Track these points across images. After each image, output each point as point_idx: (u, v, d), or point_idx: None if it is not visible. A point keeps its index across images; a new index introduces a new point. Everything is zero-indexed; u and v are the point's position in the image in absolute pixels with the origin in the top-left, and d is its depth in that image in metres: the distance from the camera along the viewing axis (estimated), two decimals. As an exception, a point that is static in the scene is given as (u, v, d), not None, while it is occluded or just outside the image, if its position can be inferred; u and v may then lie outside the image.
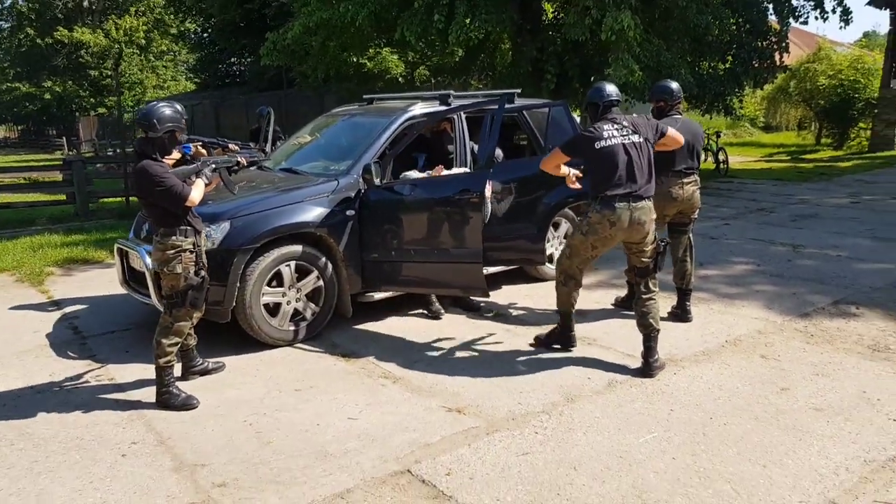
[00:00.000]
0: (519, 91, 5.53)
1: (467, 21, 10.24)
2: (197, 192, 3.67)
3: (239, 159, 4.11)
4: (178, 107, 3.80)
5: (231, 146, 5.48)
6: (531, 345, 4.49)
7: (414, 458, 3.09)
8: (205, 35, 30.88)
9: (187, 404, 3.61)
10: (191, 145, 3.94)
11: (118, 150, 20.15)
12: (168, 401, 3.62)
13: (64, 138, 32.92)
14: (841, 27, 32.97)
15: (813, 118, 22.22)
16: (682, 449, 3.13)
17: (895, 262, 6.50)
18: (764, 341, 4.54)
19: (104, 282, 6.25)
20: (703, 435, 3.27)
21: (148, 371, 3.88)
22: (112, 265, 6.86)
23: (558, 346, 4.43)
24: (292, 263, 4.60)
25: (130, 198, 10.48)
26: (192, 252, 3.69)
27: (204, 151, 4.07)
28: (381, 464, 3.04)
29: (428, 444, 3.22)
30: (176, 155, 3.88)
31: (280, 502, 2.75)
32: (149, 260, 4.32)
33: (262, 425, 3.43)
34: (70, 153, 26.67)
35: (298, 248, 4.61)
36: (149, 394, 3.76)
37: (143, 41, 36.91)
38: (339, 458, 3.10)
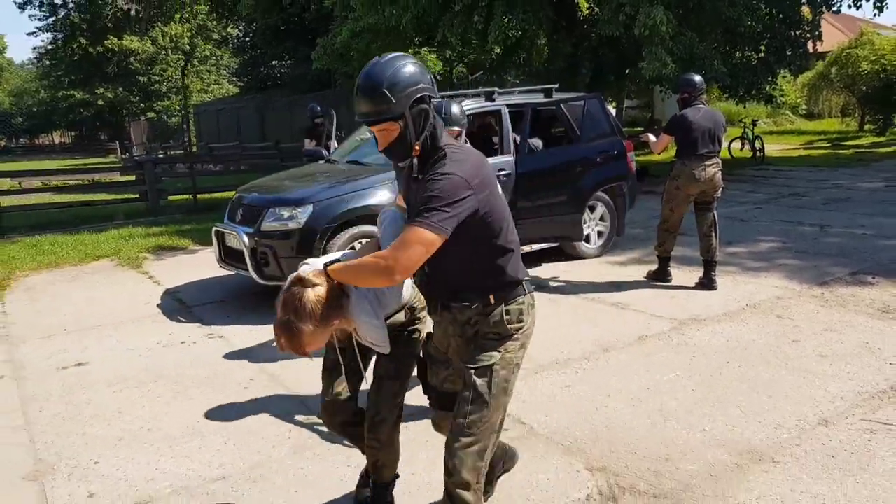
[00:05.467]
0: (557, 86, 6.26)
1: (505, 20, 10.94)
2: None
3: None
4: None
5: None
6: (646, 278, 5.90)
7: (477, 389, 3.85)
8: (247, 39, 32.18)
9: None
10: None
11: (169, 153, 21.47)
12: None
13: (116, 142, 34.70)
14: (875, 14, 32.39)
15: (856, 104, 22.24)
16: (701, 384, 3.81)
17: (918, 239, 6.95)
18: (781, 305, 5.16)
19: (193, 264, 7.21)
20: (719, 375, 3.94)
21: (253, 331, 4.73)
22: (195, 251, 7.85)
23: (659, 282, 5.80)
24: (364, 241, 5.40)
25: (199, 196, 11.49)
26: None
27: None
28: (451, 393, 3.81)
29: (488, 380, 3.97)
30: None
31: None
32: (246, 238, 5.20)
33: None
34: (124, 156, 28.23)
35: (370, 227, 5.42)
36: (254, 345, 4.61)
37: (188, 47, 38.54)
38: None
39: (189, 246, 8.11)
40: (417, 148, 1.98)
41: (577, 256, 6.74)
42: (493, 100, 6.33)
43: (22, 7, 43.22)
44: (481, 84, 15.69)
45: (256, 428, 3.46)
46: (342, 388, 2.50)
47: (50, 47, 44.31)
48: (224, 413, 3.66)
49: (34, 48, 48.49)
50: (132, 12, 40.81)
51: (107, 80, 39.51)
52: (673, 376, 3.93)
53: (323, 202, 5.33)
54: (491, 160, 5.84)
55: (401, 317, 2.36)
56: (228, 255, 5.78)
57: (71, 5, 42.48)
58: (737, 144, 15.55)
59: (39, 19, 45.09)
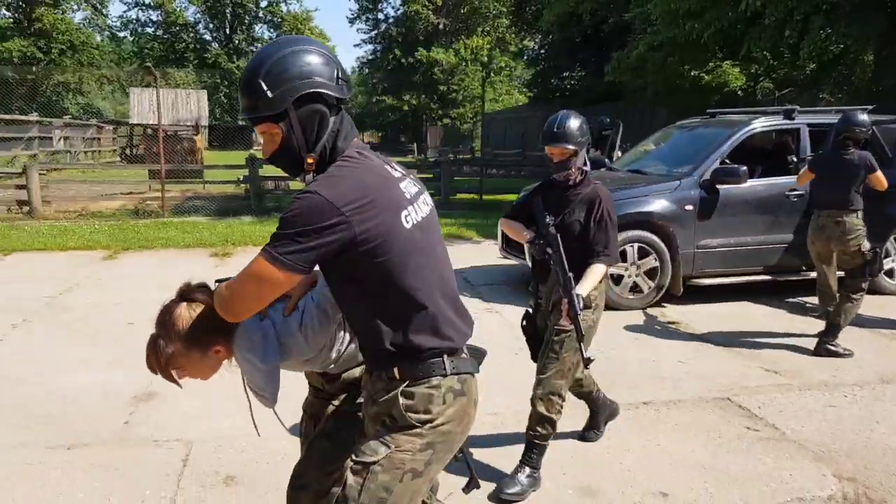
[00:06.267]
0: (871, 107, 5.99)
1: (823, 35, 10.35)
2: None
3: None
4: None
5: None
6: None
7: (732, 392, 4.10)
8: (541, 51, 34.03)
9: None
10: None
11: (457, 156, 23.85)
12: None
13: (414, 144, 39.32)
14: None
15: None
16: None
17: None
18: None
19: (477, 252, 8.35)
20: None
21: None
22: (479, 242, 9.01)
23: None
24: (635, 245, 5.86)
25: (484, 196, 12.88)
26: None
27: None
28: (706, 391, 4.11)
29: (745, 386, 4.19)
30: None
31: (626, 394, 4.01)
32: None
33: (610, 355, 4.75)
34: (420, 157, 31.94)
35: (642, 232, 5.85)
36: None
37: (486, 58, 41.98)
38: (673, 381, 4.26)
39: (474, 237, 9.32)
40: (311, 160, 1.58)
41: (871, 290, 6.33)
42: (793, 118, 6.30)
43: (352, 21, 51.20)
44: (790, 101, 14.72)
45: (515, 382, 4.18)
46: (304, 470, 2.02)
47: (370, 58, 51.69)
48: (497, 370, 4.43)
49: (357, 58, 57.14)
50: (440, 26, 45.76)
51: (412, 88, 44.87)
52: (963, 420, 3.73)
53: (601, 205, 5.91)
54: (784, 179, 5.95)
55: (357, 372, 1.92)
56: (510, 245, 6.65)
57: (391, 20, 49.08)
58: None
59: (364, 32, 52.92)
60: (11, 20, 45.55)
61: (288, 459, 3.15)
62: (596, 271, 2.91)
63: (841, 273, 5.08)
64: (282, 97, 1.53)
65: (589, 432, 3.47)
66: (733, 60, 16.44)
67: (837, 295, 4.99)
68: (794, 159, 6.35)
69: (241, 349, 1.72)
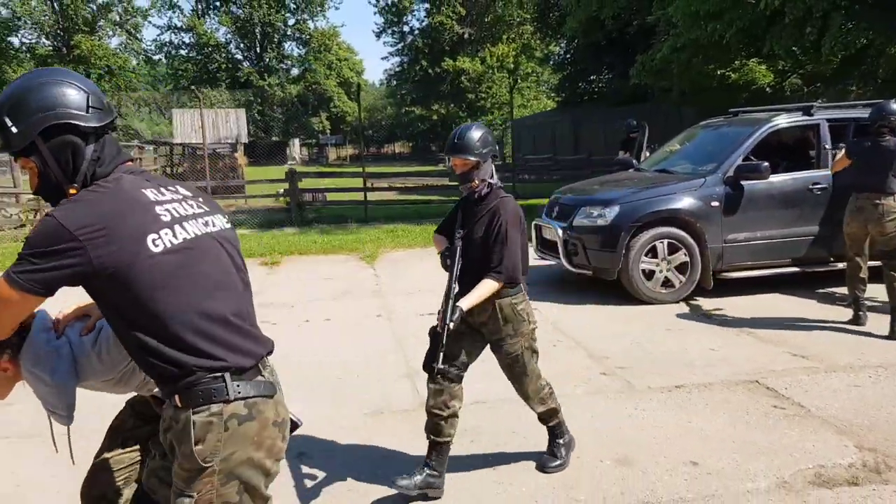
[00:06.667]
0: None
1: (844, 30, 10.44)
2: None
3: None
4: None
5: None
6: None
7: (760, 375, 4.34)
8: (567, 56, 34.24)
9: None
10: None
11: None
12: None
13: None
14: None
15: None
16: None
17: None
18: None
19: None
20: None
21: (554, 307, 5.79)
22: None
23: None
24: (665, 241, 6.12)
25: (516, 201, 13.16)
26: None
27: None
28: (734, 375, 4.36)
29: (773, 370, 4.43)
30: None
31: (659, 379, 4.29)
32: (560, 231, 6.32)
33: (644, 345, 5.02)
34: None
35: (670, 229, 6.11)
36: (558, 318, 5.66)
37: (512, 65, 42.32)
38: (704, 367, 4.52)
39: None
40: (73, 191, 1.58)
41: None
42: (811, 114, 6.52)
43: (378, 35, 52.02)
44: (818, 97, 14.71)
45: (558, 368, 4.49)
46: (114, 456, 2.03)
47: (397, 69, 52.42)
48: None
49: (384, 70, 58.00)
50: (465, 35, 46.24)
51: (441, 98, 45.46)
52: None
53: (629, 203, 6.18)
54: (807, 174, 6.16)
55: None
56: (544, 246, 6.96)
57: (416, 32, 49.75)
58: None
59: (391, 45, 53.69)
60: (51, 48, 47.27)
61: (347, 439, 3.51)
62: (483, 286, 2.85)
63: (872, 262, 5.29)
64: (26, 131, 1.55)
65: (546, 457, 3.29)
66: (758, 59, 16.48)
67: (866, 280, 5.28)
68: (820, 152, 6.53)
69: (26, 364, 1.72)
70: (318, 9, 53.27)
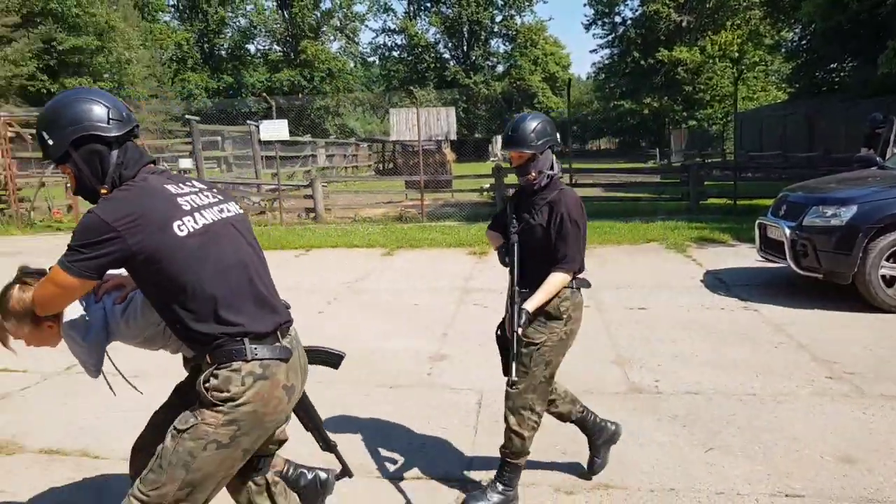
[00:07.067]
0: None
1: None
2: None
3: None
4: None
5: None
6: None
7: None
8: (803, 43, 31.57)
9: None
10: None
11: (706, 160, 23.19)
12: None
13: (656, 149, 38.67)
14: None
15: None
16: None
17: None
18: None
19: (731, 254, 8.59)
20: None
21: (786, 311, 5.71)
22: (733, 245, 9.17)
23: None
24: (905, 246, 5.74)
25: (738, 201, 12.67)
26: None
27: None
28: None
29: None
30: None
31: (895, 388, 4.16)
32: (788, 231, 6.18)
33: (878, 353, 4.83)
34: (663, 162, 31.49)
35: (918, 232, 5.72)
36: (788, 321, 5.59)
37: (736, 54, 39.92)
38: None
39: (728, 241, 9.45)
40: (104, 191, 1.95)
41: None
42: None
43: (587, 27, 51.77)
44: None
45: (779, 368, 4.50)
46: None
47: (607, 62, 51.80)
48: (756, 358, 4.79)
49: (592, 63, 57.55)
50: (683, 23, 44.43)
51: (653, 91, 44.24)
52: None
53: (869, 203, 5.88)
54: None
55: None
56: (768, 246, 6.80)
57: (629, 22, 48.77)
58: None
59: (601, 37, 53.15)
60: (281, 54, 53.35)
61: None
62: (553, 281, 2.80)
63: None
64: (60, 143, 1.94)
65: (593, 462, 3.24)
66: None
67: None
68: None
69: (64, 326, 2.15)
70: (526, 3, 54.34)
